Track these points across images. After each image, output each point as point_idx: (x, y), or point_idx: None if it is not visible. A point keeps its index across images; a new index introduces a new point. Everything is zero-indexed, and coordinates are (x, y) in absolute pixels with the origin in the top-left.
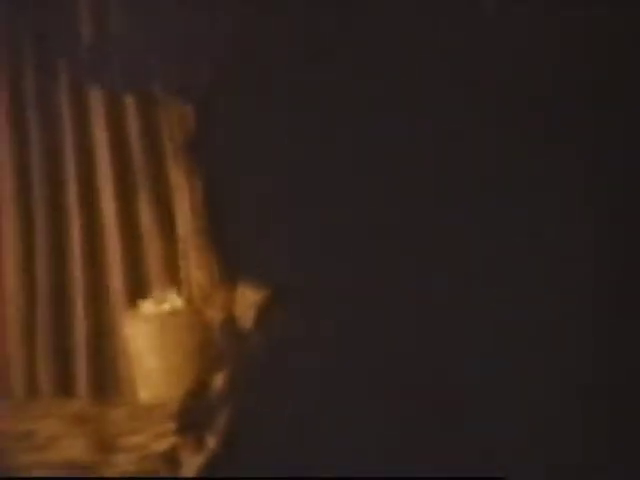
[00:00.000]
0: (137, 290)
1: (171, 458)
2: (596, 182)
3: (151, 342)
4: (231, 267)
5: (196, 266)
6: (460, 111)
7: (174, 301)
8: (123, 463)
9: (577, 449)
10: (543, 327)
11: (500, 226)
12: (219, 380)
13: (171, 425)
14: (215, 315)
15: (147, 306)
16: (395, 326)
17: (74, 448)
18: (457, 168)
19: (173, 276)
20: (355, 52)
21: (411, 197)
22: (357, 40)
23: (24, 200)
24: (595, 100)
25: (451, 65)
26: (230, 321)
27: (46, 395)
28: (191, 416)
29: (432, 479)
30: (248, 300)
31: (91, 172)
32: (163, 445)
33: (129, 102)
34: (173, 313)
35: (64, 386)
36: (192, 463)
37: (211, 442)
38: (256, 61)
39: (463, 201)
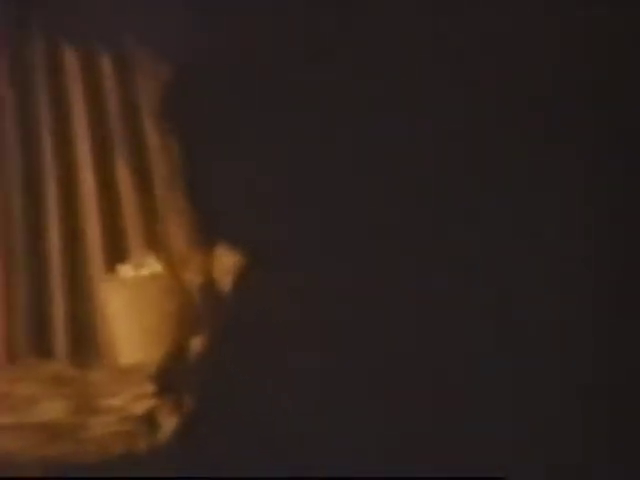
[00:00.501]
0: (115, 254)
1: (149, 420)
2: (596, 182)
3: (129, 306)
4: (209, 230)
5: (174, 230)
6: (460, 111)
7: (152, 265)
8: (101, 425)
9: (577, 449)
10: (543, 327)
11: (500, 226)
12: (197, 343)
13: (150, 387)
14: (193, 279)
15: (125, 270)
16: (395, 326)
17: (52, 410)
18: (457, 168)
19: (151, 240)
20: (355, 52)
21: (410, 197)
22: (357, 40)
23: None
24: (595, 100)
25: (451, 65)
26: (208, 284)
27: (24, 358)
28: (169, 378)
29: (432, 479)
30: (226, 263)
31: (67, 135)
32: (142, 407)
33: (105, 62)
34: (151, 277)
35: (42, 349)
36: (170, 424)
37: (189, 404)
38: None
39: (463, 201)
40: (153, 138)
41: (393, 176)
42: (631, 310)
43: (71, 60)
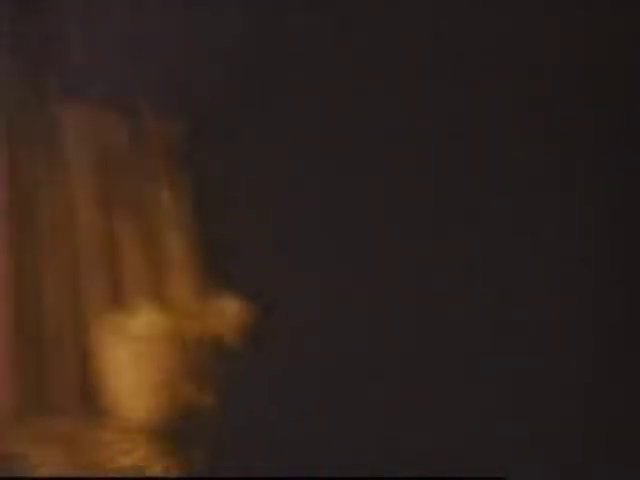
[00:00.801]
0: (119, 308)
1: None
2: (596, 182)
3: (135, 361)
4: (217, 280)
5: (179, 280)
6: (460, 111)
7: (155, 317)
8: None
9: (577, 449)
10: (543, 327)
11: (500, 225)
12: (206, 399)
13: (160, 445)
14: (200, 331)
15: (126, 322)
16: (394, 325)
17: (62, 470)
18: (457, 167)
19: (157, 294)
20: (355, 51)
21: (410, 197)
22: (356, 39)
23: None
24: (595, 100)
25: (450, 65)
26: (216, 337)
27: (30, 416)
28: (180, 435)
29: (432, 479)
30: (235, 316)
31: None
32: (154, 465)
33: (112, 117)
34: (154, 328)
35: (48, 407)
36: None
37: (200, 461)
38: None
39: (463, 200)
40: (161, 190)
41: (392, 176)
42: (631, 310)
43: (76, 116)
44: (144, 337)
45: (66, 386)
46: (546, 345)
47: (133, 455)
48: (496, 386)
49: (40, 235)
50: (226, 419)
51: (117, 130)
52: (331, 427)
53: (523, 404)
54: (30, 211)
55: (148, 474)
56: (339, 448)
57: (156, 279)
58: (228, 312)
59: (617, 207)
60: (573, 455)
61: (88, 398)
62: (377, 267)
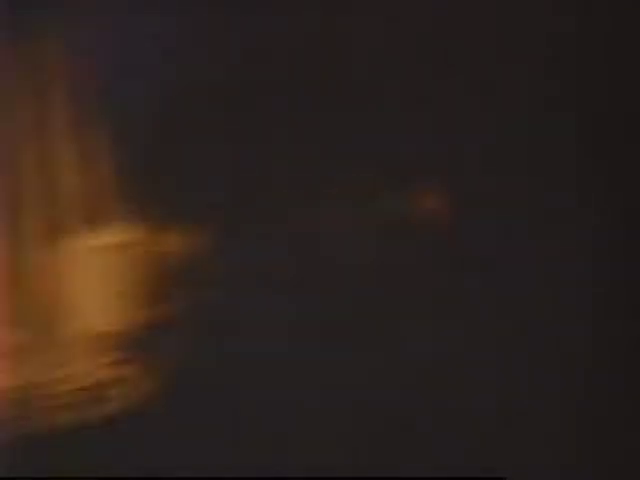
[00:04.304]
0: (89, 221)
1: (101, 391)
2: (596, 182)
3: (100, 272)
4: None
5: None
6: (460, 110)
7: (121, 233)
8: (52, 396)
9: (578, 449)
10: (543, 326)
11: (499, 226)
12: (159, 315)
13: (119, 354)
14: (166, 248)
15: (97, 237)
16: (393, 325)
17: (19, 377)
18: (457, 169)
19: (123, 209)
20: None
21: (410, 196)
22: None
23: None
24: (595, 100)
25: (451, 63)
26: (181, 254)
27: None
28: (139, 345)
29: (432, 479)
30: (194, 237)
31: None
32: (111, 373)
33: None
34: (120, 245)
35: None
36: (124, 395)
37: (158, 371)
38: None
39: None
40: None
41: (392, 172)
42: (631, 310)
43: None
44: (109, 249)
45: (30, 300)
46: (547, 345)
47: (91, 362)
48: (496, 386)
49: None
50: (184, 336)
51: None
52: (331, 426)
53: (523, 404)
54: None
55: (107, 382)
56: (338, 448)
57: (126, 195)
58: (188, 234)
59: (617, 207)
60: (573, 455)
61: (49, 308)
62: (380, 269)
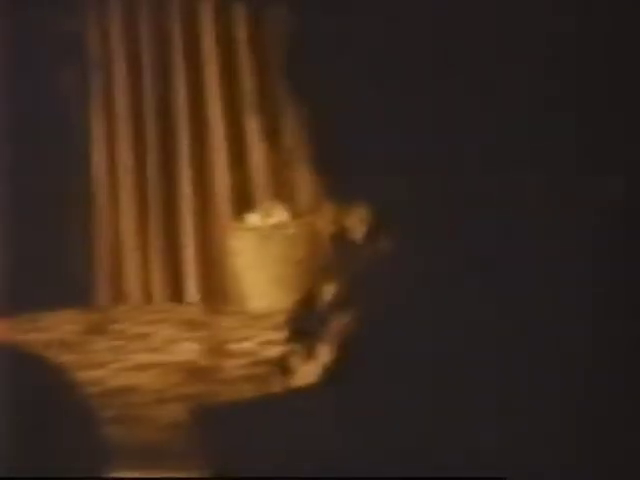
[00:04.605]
0: (244, 203)
1: (281, 365)
2: (597, 182)
3: (259, 254)
4: (336, 186)
5: (303, 181)
6: (460, 110)
7: (281, 214)
8: (235, 368)
9: (578, 449)
10: (543, 326)
11: (499, 227)
12: (329, 291)
13: (280, 333)
14: (325, 227)
15: (254, 219)
16: (393, 325)
17: (187, 352)
18: (458, 170)
19: (280, 190)
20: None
21: (411, 196)
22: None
23: (136, 116)
24: (595, 100)
25: (451, 63)
26: (340, 233)
27: (160, 301)
28: (300, 325)
29: (432, 479)
30: (358, 214)
31: (199, 85)
32: (273, 352)
33: (238, 12)
34: (279, 225)
35: (176, 294)
36: (304, 371)
37: (323, 352)
38: None
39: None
40: (281, 92)
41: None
42: (631, 311)
43: (205, 11)
44: (266, 230)
45: (192, 275)
46: (547, 345)
47: (254, 340)
48: (496, 386)
49: (176, 130)
50: (350, 313)
51: (242, 25)
52: (329, 427)
53: (524, 404)
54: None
55: (267, 357)
56: (338, 448)
57: (280, 177)
58: (350, 211)
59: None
60: (573, 455)
61: (213, 288)
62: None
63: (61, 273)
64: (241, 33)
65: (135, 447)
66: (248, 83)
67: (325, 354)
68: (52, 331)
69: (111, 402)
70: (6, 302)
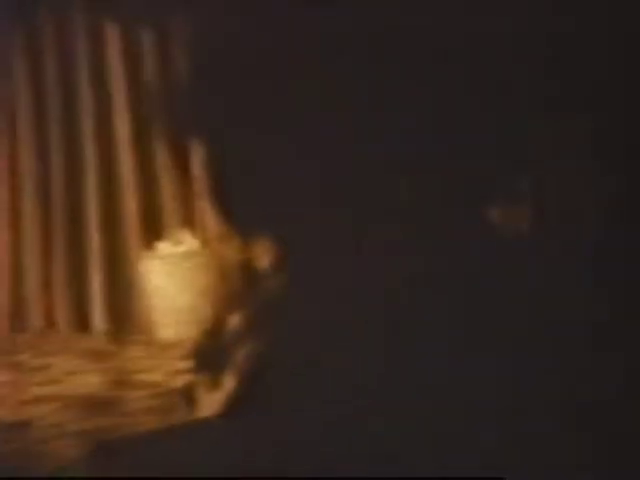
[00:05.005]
0: (153, 229)
1: (186, 395)
2: (596, 182)
3: (167, 282)
4: (239, 222)
5: (211, 210)
6: (460, 110)
7: (190, 242)
8: (139, 399)
9: (578, 449)
10: (543, 326)
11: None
12: (235, 320)
13: (187, 363)
14: (231, 256)
15: (163, 246)
16: (391, 324)
17: (90, 383)
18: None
19: (188, 219)
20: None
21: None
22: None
23: (41, 131)
24: (594, 100)
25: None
26: (247, 262)
27: (62, 330)
28: (207, 355)
29: (432, 479)
30: (263, 245)
31: (107, 110)
32: (179, 382)
33: (146, 39)
34: (189, 253)
35: (80, 323)
36: (209, 401)
37: (228, 381)
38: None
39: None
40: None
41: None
42: (632, 310)
43: (112, 34)
44: (176, 260)
45: (98, 304)
46: (547, 345)
47: (160, 371)
48: (497, 386)
49: (83, 153)
50: (254, 343)
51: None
52: (329, 426)
53: (524, 404)
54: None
55: (173, 388)
56: (337, 448)
57: (188, 205)
58: (258, 243)
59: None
60: (573, 455)
61: (119, 317)
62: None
63: None
64: (149, 58)
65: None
66: (156, 111)
67: (230, 384)
68: None
69: (8, 437)
70: None
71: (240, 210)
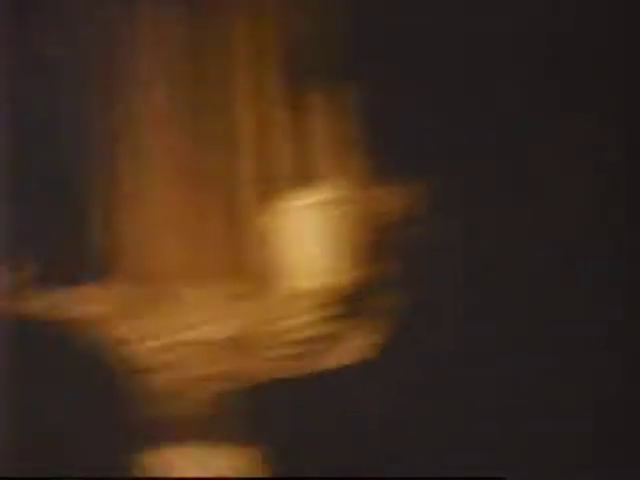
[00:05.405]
0: (302, 180)
1: (331, 341)
2: (597, 181)
3: (311, 230)
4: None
5: (359, 160)
6: (460, 110)
7: (333, 191)
8: (280, 345)
9: (578, 449)
10: (543, 326)
11: (502, 228)
12: (381, 269)
13: (332, 310)
14: (376, 206)
15: (308, 195)
16: (392, 324)
17: (235, 327)
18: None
19: (334, 167)
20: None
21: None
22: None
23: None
24: (594, 100)
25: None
26: (390, 213)
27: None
28: (353, 302)
29: (432, 479)
30: (409, 194)
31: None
32: (323, 329)
33: None
34: (332, 203)
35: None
36: (353, 348)
37: (376, 328)
38: None
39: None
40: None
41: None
42: (632, 310)
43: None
44: (322, 207)
45: (243, 255)
46: (547, 345)
47: (306, 317)
48: (496, 386)
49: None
50: (403, 291)
51: None
52: (329, 426)
53: (523, 404)
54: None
55: (322, 336)
56: (338, 448)
57: (336, 154)
58: (401, 191)
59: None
60: (573, 455)
61: (266, 264)
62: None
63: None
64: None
65: (177, 423)
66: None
67: (374, 331)
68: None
69: (147, 382)
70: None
71: (386, 159)
